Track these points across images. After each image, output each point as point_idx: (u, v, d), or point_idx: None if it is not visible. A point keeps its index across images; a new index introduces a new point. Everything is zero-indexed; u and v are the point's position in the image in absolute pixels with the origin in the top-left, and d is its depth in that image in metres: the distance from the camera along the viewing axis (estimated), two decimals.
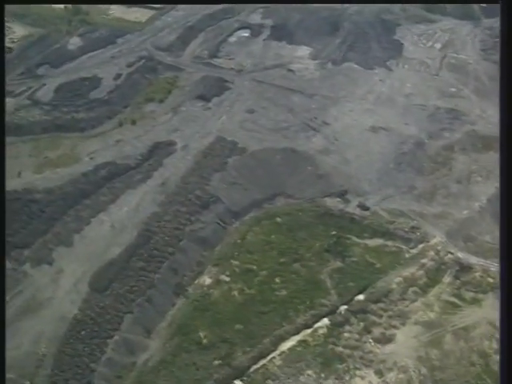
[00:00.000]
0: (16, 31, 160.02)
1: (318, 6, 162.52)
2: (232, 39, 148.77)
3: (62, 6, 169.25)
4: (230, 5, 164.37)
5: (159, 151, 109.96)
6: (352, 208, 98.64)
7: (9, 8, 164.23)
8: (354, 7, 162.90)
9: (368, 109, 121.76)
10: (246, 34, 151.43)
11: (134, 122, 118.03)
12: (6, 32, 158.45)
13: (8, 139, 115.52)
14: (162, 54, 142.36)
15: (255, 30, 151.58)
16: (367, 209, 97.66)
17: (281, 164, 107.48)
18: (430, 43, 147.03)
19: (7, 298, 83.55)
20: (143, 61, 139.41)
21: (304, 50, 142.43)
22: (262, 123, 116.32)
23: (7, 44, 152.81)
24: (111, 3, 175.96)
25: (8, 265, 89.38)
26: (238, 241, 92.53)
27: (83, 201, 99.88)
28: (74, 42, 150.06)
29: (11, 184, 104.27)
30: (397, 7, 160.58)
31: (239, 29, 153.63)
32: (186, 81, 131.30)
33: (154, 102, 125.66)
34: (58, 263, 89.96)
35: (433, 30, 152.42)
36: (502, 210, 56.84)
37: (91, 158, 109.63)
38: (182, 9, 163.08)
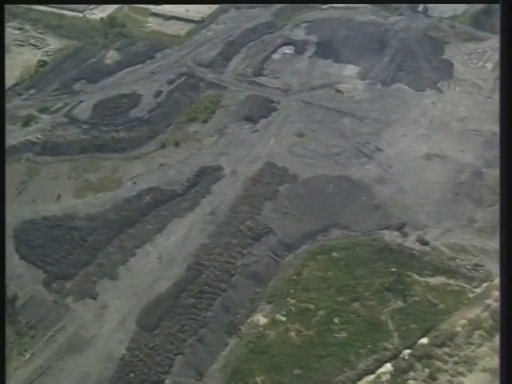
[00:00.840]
0: (50, 43, 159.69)
1: (362, 22, 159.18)
2: (276, 56, 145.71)
3: (97, 17, 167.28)
4: (272, 19, 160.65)
5: (206, 177, 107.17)
6: (411, 242, 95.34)
7: (43, 18, 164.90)
8: (400, 23, 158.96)
9: (421, 134, 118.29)
10: (290, 51, 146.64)
11: (177, 144, 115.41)
12: (40, 44, 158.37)
13: (44, 159, 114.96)
14: (203, 70, 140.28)
15: (300, 47, 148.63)
16: (427, 243, 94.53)
17: (334, 193, 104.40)
18: (481, 63, 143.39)
19: (49, 333, 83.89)
20: (184, 77, 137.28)
21: (351, 69, 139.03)
22: (313, 148, 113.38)
23: (42, 57, 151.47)
24: (111, 3, 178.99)
25: (49, 297, 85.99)
26: (294, 277, 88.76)
27: (127, 229, 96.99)
28: (111, 56, 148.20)
29: (51, 208, 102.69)
30: (445, 24, 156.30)
31: (283, 45, 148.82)
32: (231, 100, 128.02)
33: (197, 122, 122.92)
34: (102, 297, 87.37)
35: (482, 48, 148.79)
36: (502, 210, 55.95)
37: (134, 183, 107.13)
38: (223, 22, 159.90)
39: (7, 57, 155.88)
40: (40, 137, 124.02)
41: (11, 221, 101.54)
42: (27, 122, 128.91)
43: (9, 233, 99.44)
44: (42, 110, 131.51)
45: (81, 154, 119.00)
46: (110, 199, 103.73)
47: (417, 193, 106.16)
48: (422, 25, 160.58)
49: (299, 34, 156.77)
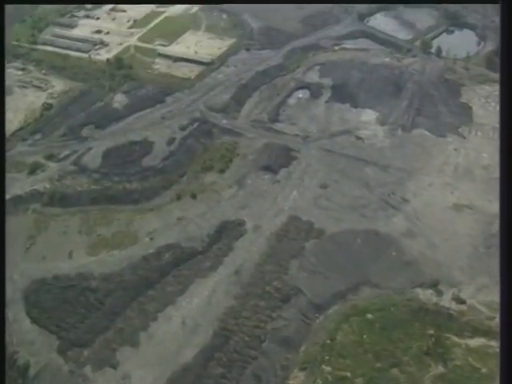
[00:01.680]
0: (55, 85, 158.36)
1: (376, 64, 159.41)
2: (291, 101, 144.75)
3: (103, 59, 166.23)
4: (283, 61, 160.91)
5: (228, 232, 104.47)
6: (447, 301, 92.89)
7: (47, 59, 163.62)
8: (414, 65, 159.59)
9: (447, 183, 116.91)
10: (306, 96, 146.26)
11: (194, 196, 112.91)
12: (45, 86, 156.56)
13: (53, 210, 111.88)
14: (216, 115, 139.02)
15: (315, 91, 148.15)
16: (463, 302, 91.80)
17: (362, 248, 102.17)
18: (499, 106, 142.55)
19: None
20: (197, 123, 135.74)
21: (370, 114, 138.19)
22: (337, 200, 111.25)
23: (46, 100, 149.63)
24: (111, 3, 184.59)
25: (65, 366, 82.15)
26: (327, 341, 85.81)
27: (147, 291, 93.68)
28: (119, 100, 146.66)
29: (62, 266, 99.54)
30: (459, 66, 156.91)
31: (297, 89, 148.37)
32: (248, 148, 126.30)
33: (213, 172, 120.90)
34: (123, 367, 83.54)
35: (498, 90, 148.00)
36: (502, 211, 57.34)
37: (151, 239, 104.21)
38: (233, 64, 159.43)
39: (9, 99, 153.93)
40: (48, 186, 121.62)
41: (20, 280, 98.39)
42: (33, 169, 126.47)
43: (18, 294, 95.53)
44: (49, 157, 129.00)
45: (92, 206, 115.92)
46: (126, 257, 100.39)
47: (448, 247, 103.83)
48: (436, 67, 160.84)
49: (313, 77, 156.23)
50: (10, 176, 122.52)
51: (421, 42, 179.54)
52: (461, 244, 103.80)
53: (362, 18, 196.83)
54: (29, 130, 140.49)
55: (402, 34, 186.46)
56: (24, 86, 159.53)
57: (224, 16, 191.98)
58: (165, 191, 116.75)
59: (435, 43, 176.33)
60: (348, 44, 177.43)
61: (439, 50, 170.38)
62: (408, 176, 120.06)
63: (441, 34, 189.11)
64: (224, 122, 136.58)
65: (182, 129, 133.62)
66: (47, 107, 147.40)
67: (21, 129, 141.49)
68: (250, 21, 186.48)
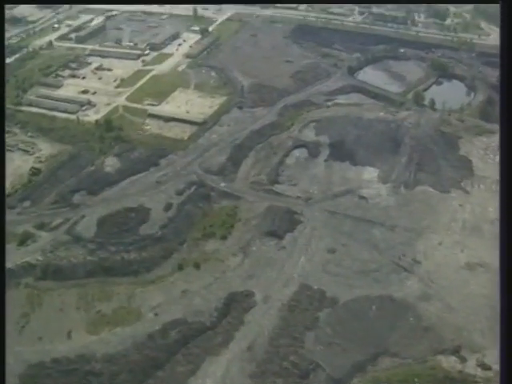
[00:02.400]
0: (42, 148, 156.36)
1: (371, 119, 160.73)
2: (290, 161, 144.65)
3: (92, 120, 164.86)
4: (277, 119, 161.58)
5: (236, 305, 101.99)
6: (472, 368, 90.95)
7: (33, 120, 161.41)
8: (409, 119, 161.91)
9: (456, 241, 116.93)
10: (304, 155, 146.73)
11: (197, 266, 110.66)
12: (31, 150, 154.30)
13: (47, 284, 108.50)
14: (213, 178, 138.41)
15: (312, 149, 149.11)
16: (489, 368, 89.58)
17: (378, 316, 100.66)
18: (498, 157, 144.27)
19: None
20: (194, 187, 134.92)
21: (371, 172, 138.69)
22: (347, 265, 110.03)
23: (34, 164, 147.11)
24: (111, 3, 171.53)
25: None
26: None
27: (155, 372, 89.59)
28: (111, 164, 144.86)
29: (61, 348, 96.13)
30: (454, 118, 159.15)
31: (294, 148, 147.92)
32: (249, 212, 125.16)
33: (214, 239, 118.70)
34: None
35: (496, 142, 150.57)
36: (502, 211, 57.01)
37: (156, 315, 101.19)
38: (226, 124, 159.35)
39: None
40: (40, 258, 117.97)
41: (15, 365, 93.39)
42: (23, 240, 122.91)
43: (14, 381, 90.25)
44: (40, 227, 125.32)
45: (88, 279, 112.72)
46: (130, 335, 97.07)
47: (465, 309, 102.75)
48: (431, 119, 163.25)
49: (309, 135, 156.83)
50: None
51: (413, 95, 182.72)
52: (478, 305, 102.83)
53: (351, 71, 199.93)
54: (17, 197, 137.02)
55: (393, 87, 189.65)
56: (10, 150, 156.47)
57: (213, 73, 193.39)
58: (165, 261, 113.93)
59: (427, 95, 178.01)
60: (340, 99, 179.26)
61: (432, 103, 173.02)
62: (416, 236, 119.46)
63: (431, 85, 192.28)
64: (222, 185, 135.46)
65: (179, 193, 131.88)
66: (35, 172, 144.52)
67: (8, 195, 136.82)
68: (239, 78, 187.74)
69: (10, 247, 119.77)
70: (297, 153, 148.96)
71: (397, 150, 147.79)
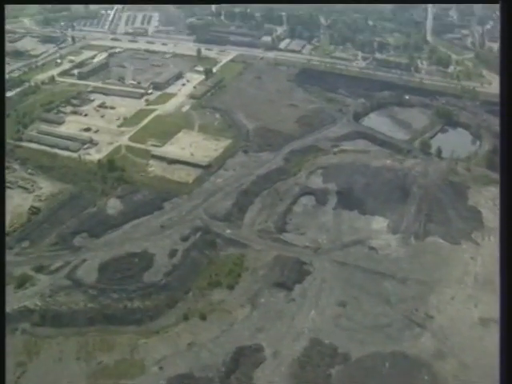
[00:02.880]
0: (42, 187, 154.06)
1: (379, 167, 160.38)
2: (297, 208, 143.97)
3: (94, 159, 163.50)
4: (284, 164, 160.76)
5: (245, 360, 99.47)
6: None
7: (33, 157, 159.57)
8: (417, 167, 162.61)
9: (469, 295, 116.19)
10: (312, 203, 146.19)
11: (203, 317, 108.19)
12: (31, 187, 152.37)
13: (45, 331, 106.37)
14: (219, 224, 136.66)
15: (320, 197, 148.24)
16: None
17: (392, 373, 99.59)
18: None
19: None
20: (199, 233, 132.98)
21: (380, 222, 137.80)
22: (359, 319, 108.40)
23: (34, 203, 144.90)
24: (112, 3, 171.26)
25: None
26: None
27: None
28: (114, 205, 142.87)
29: None
30: (461, 167, 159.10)
31: (302, 195, 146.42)
32: (256, 261, 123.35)
33: (221, 288, 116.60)
34: None
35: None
36: (502, 211, 57.84)
37: (160, 368, 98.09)
38: (232, 168, 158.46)
39: None
40: (38, 303, 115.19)
41: None
42: (22, 283, 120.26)
43: None
44: (39, 269, 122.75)
45: (89, 327, 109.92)
46: None
47: (481, 367, 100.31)
48: (438, 168, 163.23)
49: (317, 182, 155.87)
50: None
51: (419, 143, 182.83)
52: (494, 364, 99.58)
53: (356, 117, 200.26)
54: (15, 237, 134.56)
55: (399, 134, 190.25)
56: (9, 187, 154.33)
57: (217, 115, 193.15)
58: (170, 310, 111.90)
59: (433, 143, 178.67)
60: (346, 145, 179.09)
61: (439, 151, 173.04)
62: (429, 289, 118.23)
63: (436, 133, 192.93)
64: (228, 231, 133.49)
65: (184, 239, 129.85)
66: (35, 211, 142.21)
67: (6, 235, 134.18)
68: (244, 121, 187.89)
69: (8, 290, 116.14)
70: (304, 200, 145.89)
71: (405, 200, 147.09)
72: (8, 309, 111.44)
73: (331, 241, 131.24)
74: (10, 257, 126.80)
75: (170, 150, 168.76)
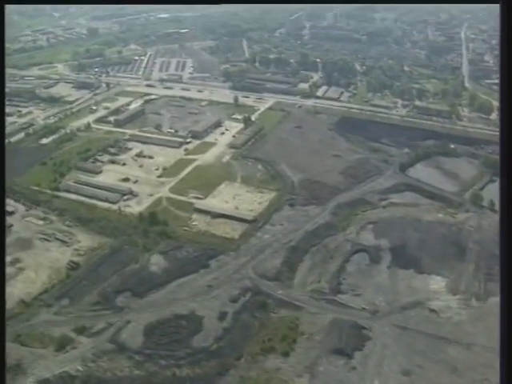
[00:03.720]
0: (81, 240, 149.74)
1: (431, 221, 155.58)
2: (351, 267, 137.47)
3: (134, 211, 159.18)
4: (331, 218, 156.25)
5: None
6: None
7: (71, 208, 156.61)
8: (470, 221, 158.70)
9: None
10: (365, 261, 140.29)
11: None
12: (69, 240, 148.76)
13: None
14: (268, 284, 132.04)
15: (373, 255, 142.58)
16: None
17: None
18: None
19: None
20: (249, 294, 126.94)
21: (438, 281, 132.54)
22: None
23: (72, 257, 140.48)
24: (114, 3, 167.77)
25: None
26: None
27: None
28: (157, 262, 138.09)
29: None
30: None
31: (354, 252, 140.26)
32: (312, 326, 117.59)
33: (275, 354, 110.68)
34: None
35: None
36: (502, 210, 56.77)
37: None
38: (279, 223, 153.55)
39: (29, 254, 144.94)
40: (80, 369, 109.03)
41: None
42: (62, 345, 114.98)
43: None
44: (80, 331, 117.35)
45: None
46: None
47: None
48: (493, 223, 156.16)
49: (368, 238, 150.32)
50: (32, 351, 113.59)
51: (470, 195, 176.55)
52: None
53: (402, 168, 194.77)
54: (54, 294, 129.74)
55: (448, 186, 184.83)
56: (46, 239, 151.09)
57: (259, 166, 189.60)
58: (222, 378, 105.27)
59: (483, 194, 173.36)
60: (395, 198, 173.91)
61: (492, 204, 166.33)
62: (497, 356, 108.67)
63: (486, 184, 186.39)
64: (279, 292, 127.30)
65: (233, 300, 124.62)
66: (74, 266, 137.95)
67: (44, 292, 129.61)
68: (288, 172, 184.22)
69: (47, 353, 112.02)
70: (357, 258, 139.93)
71: (462, 257, 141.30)
72: (47, 374, 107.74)
73: (389, 303, 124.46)
74: (48, 316, 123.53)
75: (213, 202, 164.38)
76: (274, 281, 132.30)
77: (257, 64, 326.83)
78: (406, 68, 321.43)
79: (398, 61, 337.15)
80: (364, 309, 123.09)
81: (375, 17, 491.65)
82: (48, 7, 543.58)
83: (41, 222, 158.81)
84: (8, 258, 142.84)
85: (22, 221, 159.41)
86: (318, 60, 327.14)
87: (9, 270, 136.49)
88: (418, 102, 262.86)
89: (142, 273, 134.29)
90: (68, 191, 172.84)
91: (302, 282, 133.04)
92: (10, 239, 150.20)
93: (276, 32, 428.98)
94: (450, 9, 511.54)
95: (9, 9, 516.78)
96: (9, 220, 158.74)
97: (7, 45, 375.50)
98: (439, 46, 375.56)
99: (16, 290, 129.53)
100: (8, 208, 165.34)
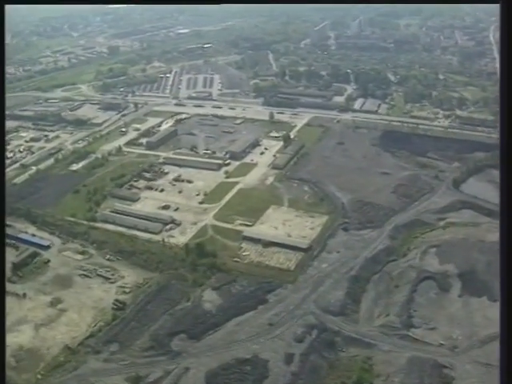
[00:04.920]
0: (125, 275, 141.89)
1: (495, 242, 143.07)
2: (420, 298, 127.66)
3: (179, 242, 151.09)
4: (390, 242, 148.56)
5: None
6: None
7: (110, 240, 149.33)
8: None
9: None
10: (434, 290, 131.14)
11: None
12: (112, 276, 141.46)
13: None
14: (334, 319, 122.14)
15: (441, 282, 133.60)
16: None
17: None
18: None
19: None
20: (315, 332, 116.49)
21: None
22: None
23: (118, 295, 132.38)
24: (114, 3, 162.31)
25: None
26: None
27: None
28: (210, 299, 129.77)
29: None
30: None
31: (422, 280, 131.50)
32: (388, 366, 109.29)
33: None
34: None
35: None
36: (502, 208, 58.95)
37: None
38: (335, 250, 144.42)
39: (70, 292, 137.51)
40: None
41: None
42: None
43: None
44: (135, 381, 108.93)
45: None
46: None
47: None
48: None
49: (433, 264, 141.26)
50: None
51: None
52: None
53: (455, 184, 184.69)
54: (102, 339, 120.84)
55: None
56: (87, 276, 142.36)
57: (306, 188, 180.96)
58: None
59: None
60: (453, 217, 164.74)
61: None
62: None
63: None
64: (348, 328, 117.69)
65: (299, 340, 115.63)
66: (120, 306, 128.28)
67: (91, 336, 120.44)
68: (336, 193, 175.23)
69: None
70: (424, 286, 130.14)
71: None
72: None
73: (467, 336, 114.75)
74: (98, 364, 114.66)
75: (262, 229, 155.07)
76: (339, 315, 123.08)
77: (287, 78, 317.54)
78: (440, 76, 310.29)
79: (431, 68, 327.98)
80: (442, 344, 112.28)
81: (399, 23, 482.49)
82: (66, 27, 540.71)
83: (80, 257, 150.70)
84: (47, 298, 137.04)
85: (59, 256, 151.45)
86: (349, 71, 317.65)
87: (50, 311, 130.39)
88: (459, 112, 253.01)
89: (196, 311, 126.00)
90: (105, 221, 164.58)
91: (368, 316, 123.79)
92: (48, 277, 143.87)
93: (301, 43, 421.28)
94: (475, 11, 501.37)
95: (28, 30, 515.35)
96: (45, 255, 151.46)
97: (28, 67, 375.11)
98: (470, 51, 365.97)
99: (59, 335, 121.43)
100: (43, 242, 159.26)
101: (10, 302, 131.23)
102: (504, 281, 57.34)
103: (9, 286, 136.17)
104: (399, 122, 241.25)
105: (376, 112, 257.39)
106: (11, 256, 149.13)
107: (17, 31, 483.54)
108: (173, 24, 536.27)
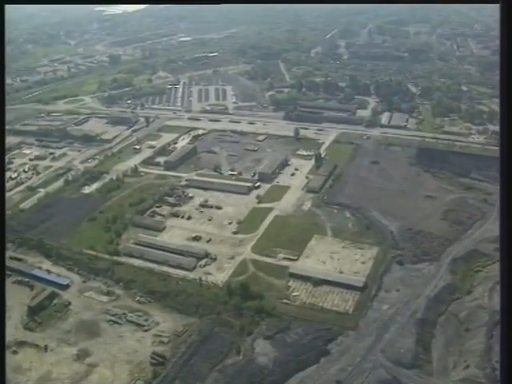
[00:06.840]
0: (159, 321, 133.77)
1: None
2: (497, 344, 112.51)
3: (217, 281, 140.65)
4: (452, 279, 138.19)
5: None
6: None
7: (139, 279, 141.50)
8: None
9: None
10: None
11: None
12: (145, 322, 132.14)
13: None
14: (407, 372, 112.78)
15: None
16: None
17: None
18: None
19: None
20: None
21: None
22: None
23: (155, 347, 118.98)
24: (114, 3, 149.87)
25: None
26: None
27: None
28: (263, 351, 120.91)
29: None
30: None
31: (496, 323, 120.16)
32: None
33: None
34: None
35: None
36: (502, 209, 61.21)
37: None
38: (394, 287, 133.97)
39: (98, 343, 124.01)
40: None
41: None
42: None
43: None
44: None
45: None
46: None
47: None
48: None
49: None
50: None
51: None
52: None
53: None
54: None
55: None
56: (116, 322, 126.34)
57: (347, 214, 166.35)
58: None
59: None
60: None
61: None
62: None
63: None
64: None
65: None
66: (160, 361, 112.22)
67: None
68: (383, 221, 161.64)
69: None
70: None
71: None
72: None
73: None
74: None
75: (309, 264, 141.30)
76: (412, 368, 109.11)
77: (304, 89, 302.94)
78: (463, 87, 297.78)
79: (451, 79, 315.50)
80: None
81: (409, 31, 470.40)
82: (62, 35, 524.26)
83: (105, 298, 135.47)
84: (73, 350, 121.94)
85: (80, 297, 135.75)
86: (367, 82, 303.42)
87: (78, 367, 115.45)
88: (492, 127, 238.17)
89: (250, 367, 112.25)
90: (130, 255, 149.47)
91: (443, 366, 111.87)
92: (70, 323, 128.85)
93: (311, 52, 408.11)
94: (485, 19, 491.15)
95: (22, 38, 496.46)
96: (64, 296, 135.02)
97: (26, 77, 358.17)
98: (487, 60, 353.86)
99: None
100: (61, 280, 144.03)
101: (29, 354, 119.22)
102: (504, 280, 57.62)
103: (27, 335, 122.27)
104: (432, 138, 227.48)
105: (405, 127, 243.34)
106: (26, 298, 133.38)
107: (10, 38, 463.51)
108: (174, 31, 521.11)
